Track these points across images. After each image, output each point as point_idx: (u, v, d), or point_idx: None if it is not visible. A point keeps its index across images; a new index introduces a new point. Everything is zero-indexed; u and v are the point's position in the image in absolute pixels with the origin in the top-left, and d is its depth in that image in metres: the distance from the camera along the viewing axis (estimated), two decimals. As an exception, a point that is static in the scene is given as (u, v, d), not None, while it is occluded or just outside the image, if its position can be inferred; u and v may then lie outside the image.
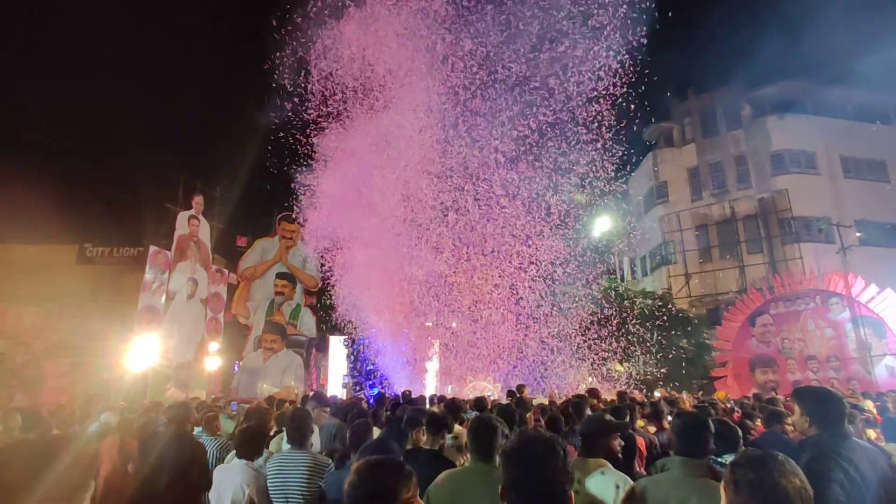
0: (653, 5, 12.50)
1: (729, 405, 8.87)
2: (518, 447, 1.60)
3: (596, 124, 13.46)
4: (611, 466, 2.61)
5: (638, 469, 3.86)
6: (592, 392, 6.98)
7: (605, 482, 2.47)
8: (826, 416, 2.45)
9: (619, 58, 12.93)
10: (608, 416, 3.10)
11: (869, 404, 7.96)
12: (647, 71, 13.18)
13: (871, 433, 5.49)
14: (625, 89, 13.16)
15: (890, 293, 16.96)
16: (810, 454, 2.38)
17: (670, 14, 13.44)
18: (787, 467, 1.40)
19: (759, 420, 5.09)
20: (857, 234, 20.44)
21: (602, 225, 20.84)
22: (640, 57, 12.95)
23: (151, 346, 14.72)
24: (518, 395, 7.38)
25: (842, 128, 22.61)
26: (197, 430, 5.64)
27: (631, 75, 13.07)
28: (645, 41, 12.67)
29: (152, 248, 16.91)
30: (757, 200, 22.33)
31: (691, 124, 25.53)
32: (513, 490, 1.54)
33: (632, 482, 2.47)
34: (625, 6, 12.51)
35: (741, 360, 18.63)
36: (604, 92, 13.18)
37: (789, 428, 4.30)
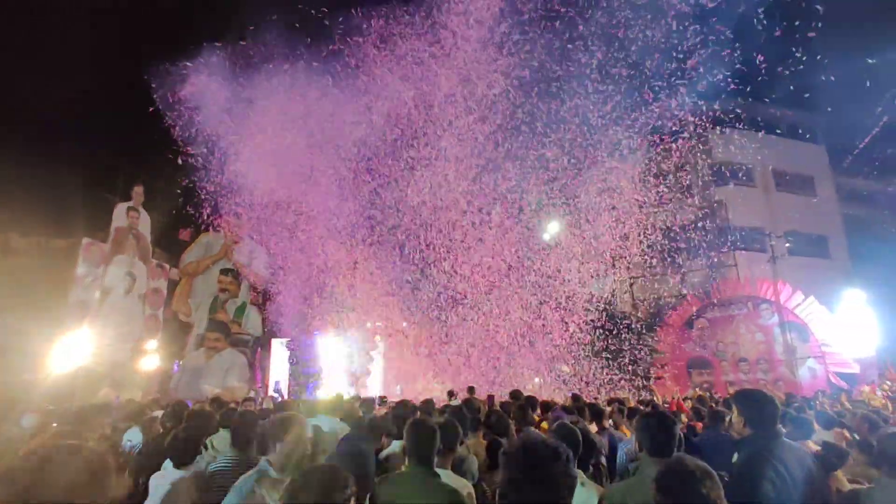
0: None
1: (668, 401, 9.27)
2: (522, 448, 1.61)
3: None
4: (586, 477, 2.69)
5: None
6: (530, 399, 6.21)
7: (586, 495, 2.51)
8: (760, 418, 2.58)
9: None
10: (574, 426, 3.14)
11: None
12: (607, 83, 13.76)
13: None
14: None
15: (813, 300, 18.20)
16: (745, 454, 2.51)
17: (625, 29, 14.02)
18: (698, 475, 1.60)
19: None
20: (787, 245, 21.84)
21: (552, 228, 21.29)
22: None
23: (82, 344, 13.84)
24: (469, 396, 7.39)
25: (776, 144, 24.08)
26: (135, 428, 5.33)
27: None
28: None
29: (86, 241, 15.89)
30: (698, 210, 23.44)
31: (640, 134, 26.46)
32: (510, 490, 1.55)
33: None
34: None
35: (679, 362, 19.51)
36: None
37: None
